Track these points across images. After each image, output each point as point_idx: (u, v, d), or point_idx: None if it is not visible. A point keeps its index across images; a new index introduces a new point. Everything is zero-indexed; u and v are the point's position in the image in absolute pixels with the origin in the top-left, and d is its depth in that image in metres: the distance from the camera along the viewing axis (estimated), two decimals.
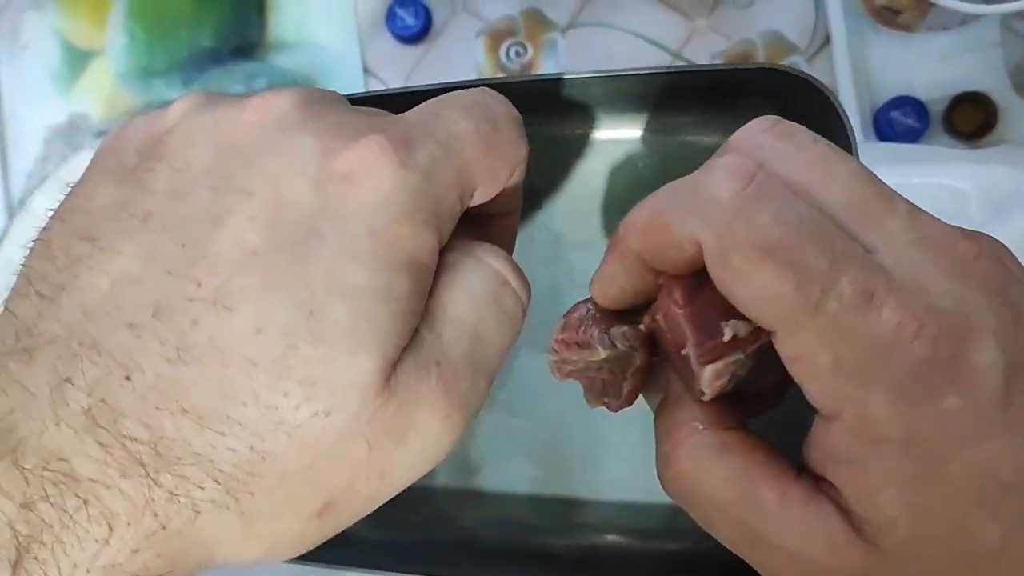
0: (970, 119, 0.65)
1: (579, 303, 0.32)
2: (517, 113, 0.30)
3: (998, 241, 0.26)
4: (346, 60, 0.73)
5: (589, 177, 0.39)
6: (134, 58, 0.75)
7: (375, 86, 0.72)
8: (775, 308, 0.24)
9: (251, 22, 0.74)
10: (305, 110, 0.28)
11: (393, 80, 0.72)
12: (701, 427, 0.28)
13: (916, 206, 0.26)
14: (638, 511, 0.39)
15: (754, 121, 0.28)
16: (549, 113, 0.39)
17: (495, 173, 0.29)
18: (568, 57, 0.70)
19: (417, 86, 0.38)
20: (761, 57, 0.67)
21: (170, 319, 0.25)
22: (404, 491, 0.42)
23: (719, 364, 0.28)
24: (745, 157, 0.27)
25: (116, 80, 0.75)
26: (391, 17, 0.72)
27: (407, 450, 0.26)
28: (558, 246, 0.40)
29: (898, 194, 0.27)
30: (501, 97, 0.30)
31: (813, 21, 0.67)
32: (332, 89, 0.31)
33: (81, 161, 0.67)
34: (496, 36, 0.71)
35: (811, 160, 0.27)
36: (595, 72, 0.35)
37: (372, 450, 0.25)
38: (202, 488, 0.24)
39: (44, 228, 0.29)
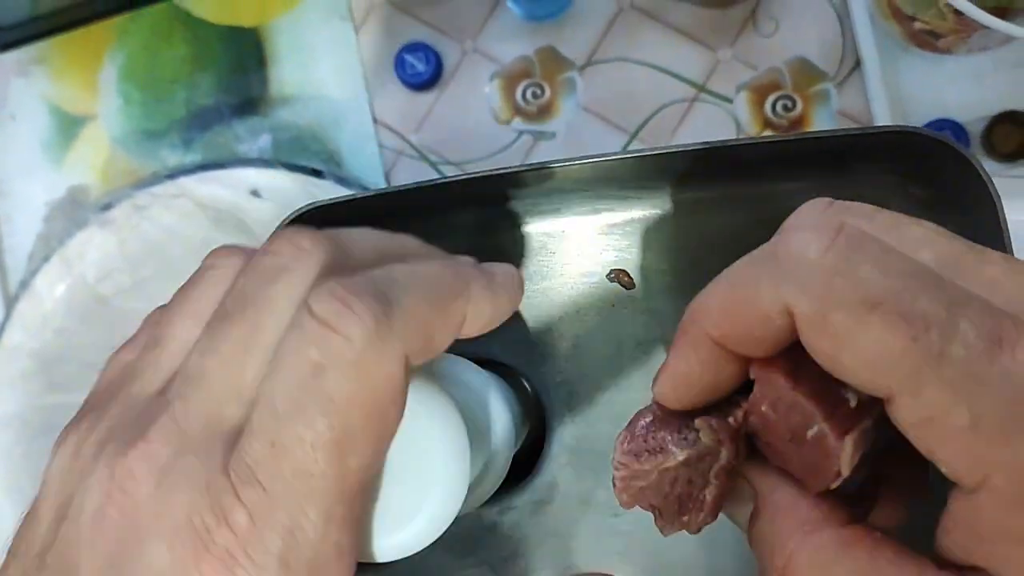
0: (1010, 139, 0.63)
1: (639, 412, 0.28)
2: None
3: None
4: (354, 111, 0.70)
5: (689, 250, 0.37)
6: (130, 120, 0.72)
7: (385, 136, 0.69)
8: (891, 367, 0.21)
9: (251, 76, 0.71)
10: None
11: (405, 129, 0.69)
12: (816, 528, 0.25)
13: (1007, 253, 0.24)
14: None
15: (807, 204, 0.26)
16: (643, 187, 0.36)
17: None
18: (587, 95, 0.67)
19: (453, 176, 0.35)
20: (789, 85, 0.65)
21: None
22: None
23: (855, 434, 0.25)
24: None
25: (112, 145, 0.72)
26: (400, 64, 0.69)
27: None
28: (654, 327, 0.37)
29: (983, 246, 0.24)
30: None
31: (840, 45, 0.65)
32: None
33: (84, 239, 0.64)
34: (511, 78, 0.69)
35: (884, 225, 0.24)
36: (694, 145, 0.33)
37: None
38: None
39: None
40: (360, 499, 0.25)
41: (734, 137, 0.32)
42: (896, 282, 0.21)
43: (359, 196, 0.36)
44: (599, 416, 0.37)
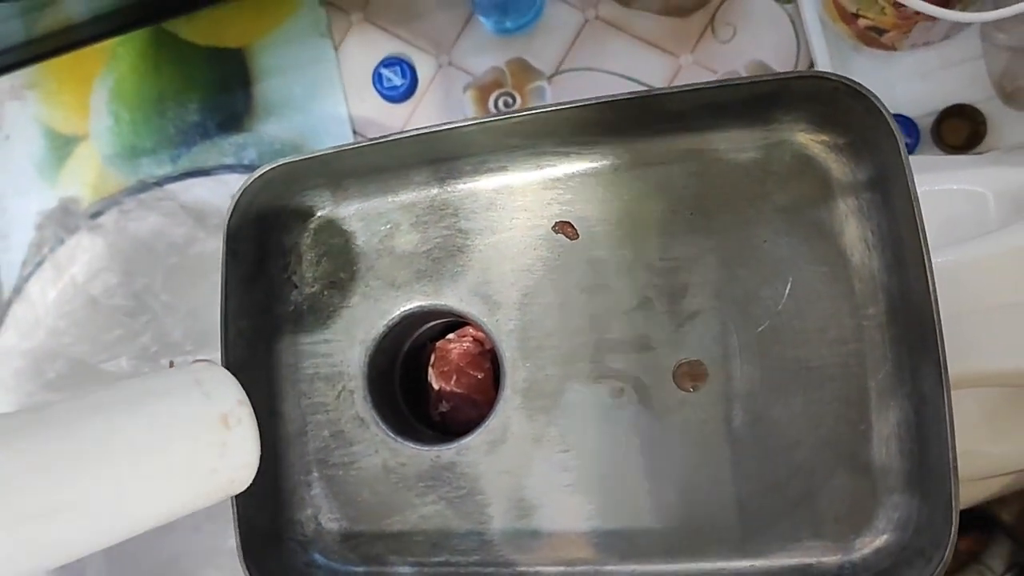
0: (958, 132, 0.66)
1: None
2: None
3: None
4: (334, 123, 0.73)
5: (627, 202, 0.39)
6: (120, 139, 0.75)
7: None
8: None
9: (236, 94, 0.74)
10: None
11: None
12: None
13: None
14: (700, 535, 0.38)
15: None
16: (582, 142, 0.39)
17: None
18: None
19: (402, 133, 0.37)
20: None
21: None
22: (455, 536, 0.42)
23: None
24: None
25: (103, 162, 0.75)
26: (377, 78, 0.72)
27: None
28: (598, 274, 0.39)
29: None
30: None
31: (795, 48, 0.68)
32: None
33: (74, 243, 0.67)
34: (484, 88, 0.72)
35: None
36: (625, 94, 0.35)
37: None
38: None
39: None
40: None
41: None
42: None
43: (319, 154, 0.39)
44: (548, 359, 0.39)
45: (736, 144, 0.38)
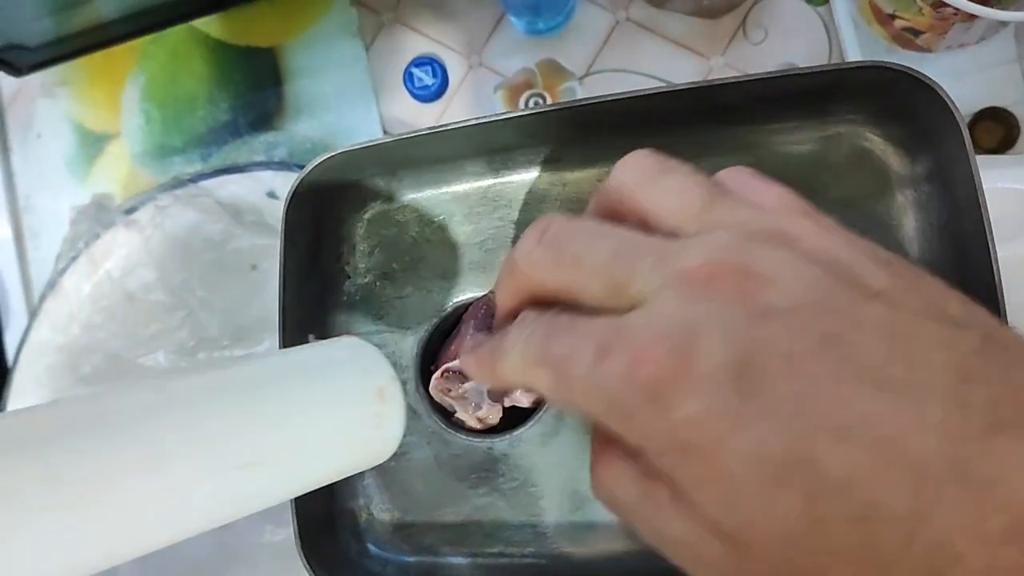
0: (992, 135, 0.66)
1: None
2: None
3: (749, 258, 0.25)
4: (365, 123, 0.73)
5: None
6: (151, 138, 0.75)
7: None
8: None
9: (268, 93, 0.74)
10: None
11: None
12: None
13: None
14: None
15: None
16: (637, 133, 0.39)
17: None
18: None
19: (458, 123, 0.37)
20: None
21: None
22: (509, 528, 0.42)
23: None
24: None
25: (133, 161, 0.75)
26: (408, 77, 0.72)
27: None
28: None
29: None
30: None
31: (827, 50, 0.68)
32: None
33: (110, 238, 0.67)
34: (514, 89, 0.72)
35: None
36: (683, 85, 0.35)
37: None
38: None
39: None
40: None
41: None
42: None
43: (376, 143, 0.39)
44: None
45: (793, 137, 0.38)
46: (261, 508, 0.31)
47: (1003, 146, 0.65)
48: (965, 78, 0.66)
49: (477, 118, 0.38)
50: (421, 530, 0.41)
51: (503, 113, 0.37)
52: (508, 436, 0.40)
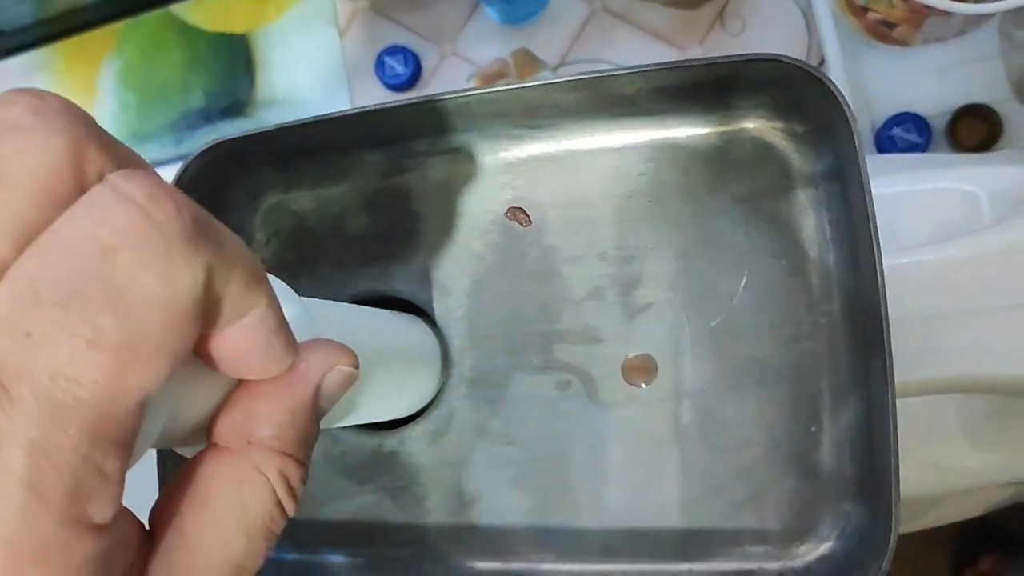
0: (974, 132, 0.63)
1: None
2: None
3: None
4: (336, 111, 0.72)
5: (582, 188, 0.38)
6: (126, 124, 0.75)
7: None
8: None
9: (241, 81, 0.74)
10: None
11: None
12: None
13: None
14: (641, 535, 0.36)
15: None
16: (536, 125, 0.37)
17: None
18: None
19: (397, 101, 0.36)
20: None
21: None
22: (391, 527, 0.41)
23: None
24: None
25: None
26: (380, 66, 0.71)
27: None
28: (549, 262, 0.38)
29: None
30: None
31: (806, 43, 0.66)
32: None
33: None
34: (487, 78, 0.70)
35: None
36: (575, 75, 0.34)
37: None
38: None
39: None
40: (137, 423, 0.19)
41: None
42: None
43: (263, 131, 0.38)
44: (496, 349, 0.38)
45: (694, 131, 0.37)
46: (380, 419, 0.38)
47: (985, 144, 0.63)
48: (947, 73, 0.64)
49: (373, 105, 0.36)
50: (303, 527, 0.40)
51: (392, 101, 0.36)
52: (398, 434, 0.39)
